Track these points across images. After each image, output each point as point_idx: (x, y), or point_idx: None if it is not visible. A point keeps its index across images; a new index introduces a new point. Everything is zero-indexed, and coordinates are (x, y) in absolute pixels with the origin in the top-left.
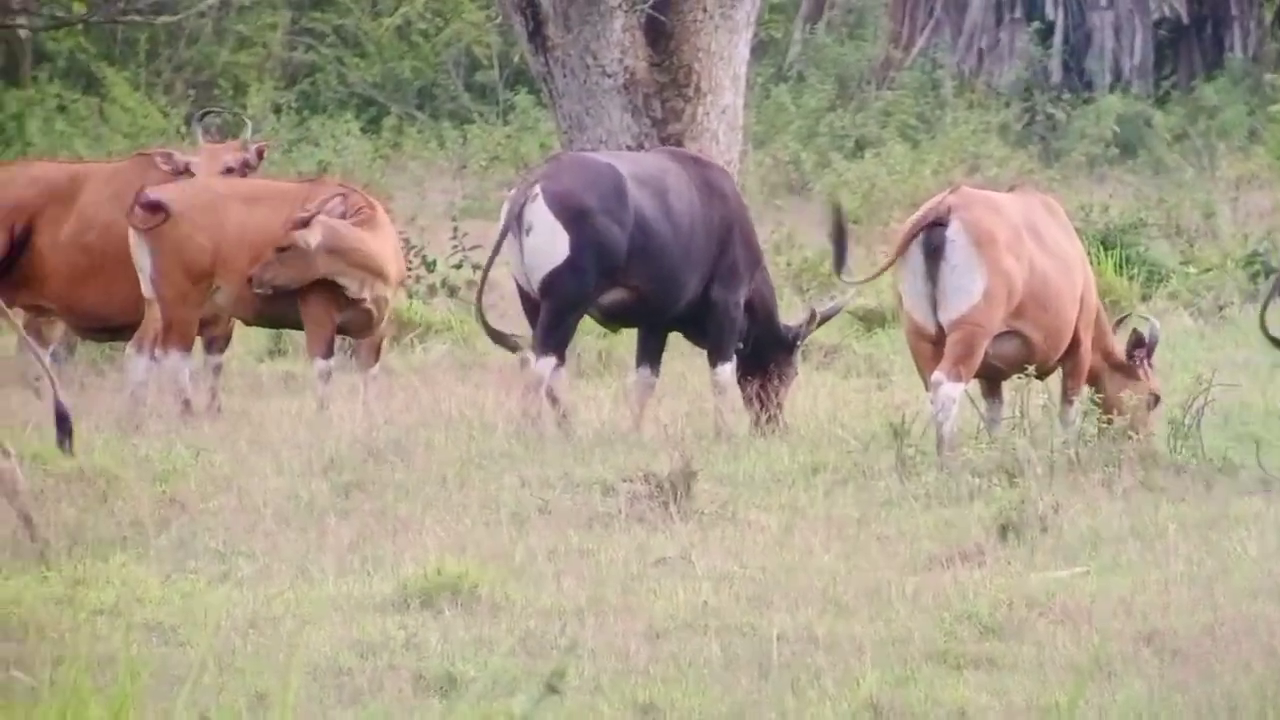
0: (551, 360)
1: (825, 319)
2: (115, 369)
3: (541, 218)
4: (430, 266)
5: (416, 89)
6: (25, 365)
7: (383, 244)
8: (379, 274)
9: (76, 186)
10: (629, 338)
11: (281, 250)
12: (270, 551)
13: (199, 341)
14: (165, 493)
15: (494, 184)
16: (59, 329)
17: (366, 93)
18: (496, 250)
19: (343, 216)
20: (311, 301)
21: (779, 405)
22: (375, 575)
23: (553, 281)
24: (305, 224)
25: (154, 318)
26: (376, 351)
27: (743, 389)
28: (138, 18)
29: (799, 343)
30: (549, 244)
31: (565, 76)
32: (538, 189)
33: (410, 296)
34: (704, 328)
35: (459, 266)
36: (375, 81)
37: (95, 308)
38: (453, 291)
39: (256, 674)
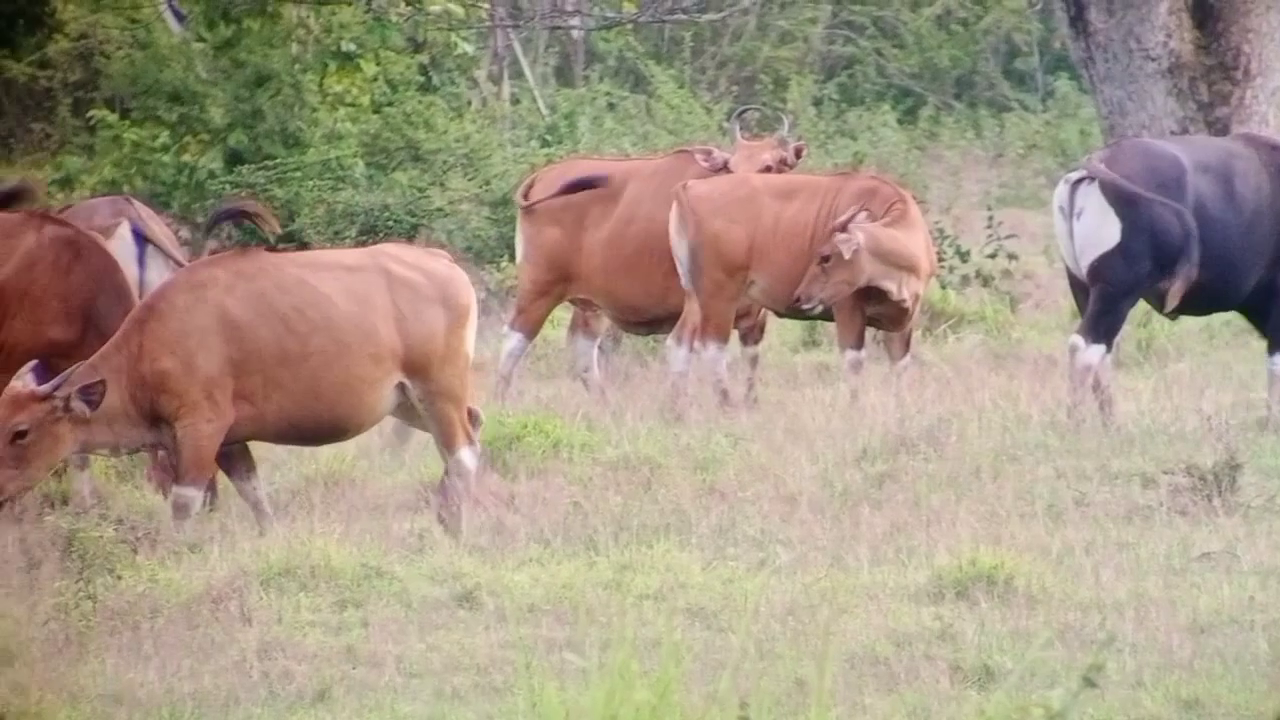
0: (1100, 347)
1: None
2: (657, 360)
3: (1093, 202)
4: (964, 256)
5: (954, 78)
6: (575, 356)
7: (915, 239)
8: (913, 270)
9: (620, 183)
10: (1171, 327)
11: (825, 260)
12: (806, 540)
13: (735, 333)
14: (705, 481)
15: (1031, 172)
16: (605, 322)
17: (904, 83)
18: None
19: (871, 217)
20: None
21: None
22: (910, 565)
23: (1101, 267)
24: (841, 230)
25: (692, 310)
26: (907, 342)
27: None
28: (684, 16)
29: None
30: (1099, 229)
31: (1107, 61)
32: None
33: (943, 286)
34: (1267, 314)
35: (993, 256)
36: (913, 72)
37: (634, 300)
38: (986, 281)
39: (795, 661)
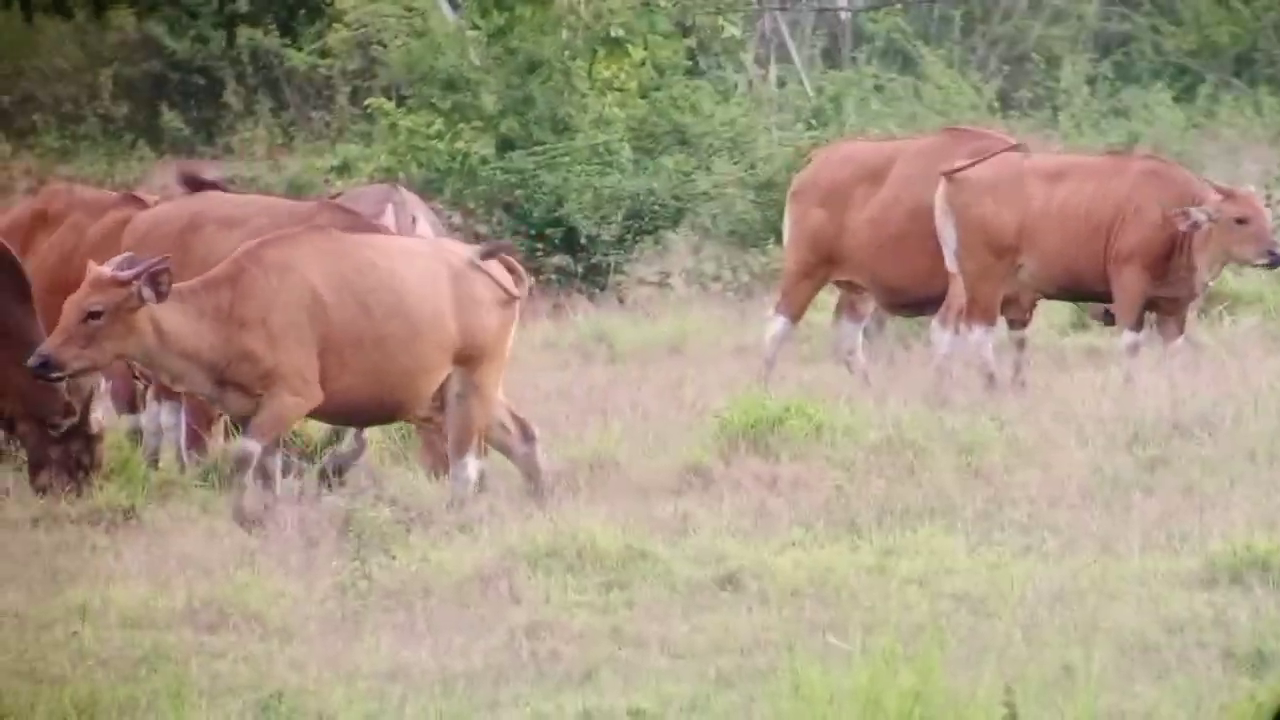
0: None
1: None
2: (922, 343)
3: None
4: None
5: (1233, 55)
6: (839, 339)
7: None
8: None
9: (887, 164)
10: None
11: (1242, 221)
12: (1074, 525)
13: (1002, 316)
14: (970, 465)
15: None
16: (871, 305)
17: (1181, 61)
18: None
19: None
20: (1125, 274)
21: None
22: (1182, 551)
23: None
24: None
25: (958, 292)
26: (1182, 325)
27: None
28: None
29: None
30: None
31: None
32: None
33: None
34: None
35: None
36: (1190, 49)
37: (899, 281)
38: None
39: (1062, 647)
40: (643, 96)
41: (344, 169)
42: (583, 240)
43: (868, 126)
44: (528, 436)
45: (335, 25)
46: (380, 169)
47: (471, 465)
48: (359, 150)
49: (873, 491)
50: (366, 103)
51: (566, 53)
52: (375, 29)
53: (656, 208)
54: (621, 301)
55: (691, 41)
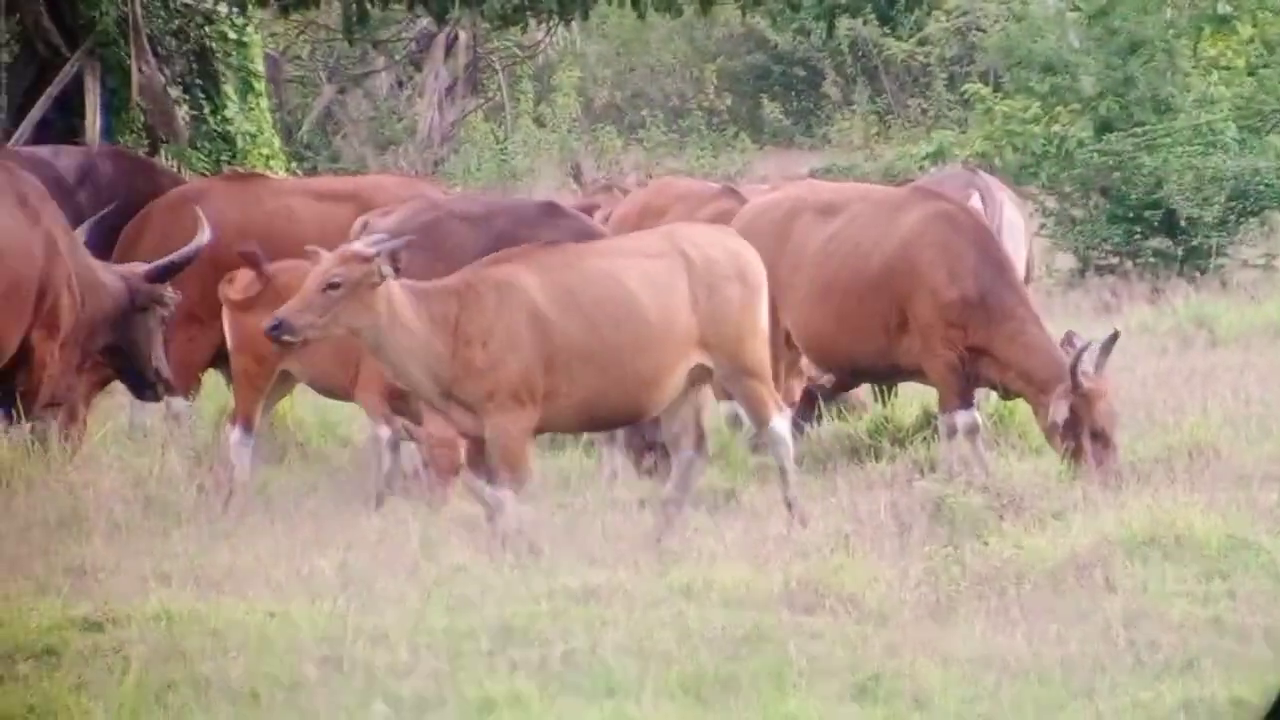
0: None
1: None
2: None
3: None
4: None
5: None
6: None
7: None
8: None
9: None
10: None
11: None
12: None
13: None
14: None
15: None
16: None
17: None
18: None
19: None
20: None
21: None
22: None
23: None
24: None
25: None
26: None
27: None
28: None
29: None
30: None
31: None
32: None
33: None
34: None
35: None
36: None
37: None
38: None
39: None
40: (1250, 74)
41: (938, 155)
42: (1183, 222)
43: None
44: (700, 448)
45: (934, 13)
46: (975, 154)
47: (781, 426)
48: (954, 136)
49: None
50: (963, 88)
51: (1170, 31)
52: (975, 15)
53: (1262, 188)
54: (1224, 285)
55: None
